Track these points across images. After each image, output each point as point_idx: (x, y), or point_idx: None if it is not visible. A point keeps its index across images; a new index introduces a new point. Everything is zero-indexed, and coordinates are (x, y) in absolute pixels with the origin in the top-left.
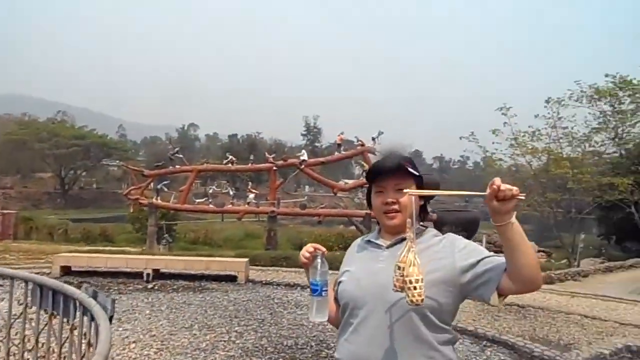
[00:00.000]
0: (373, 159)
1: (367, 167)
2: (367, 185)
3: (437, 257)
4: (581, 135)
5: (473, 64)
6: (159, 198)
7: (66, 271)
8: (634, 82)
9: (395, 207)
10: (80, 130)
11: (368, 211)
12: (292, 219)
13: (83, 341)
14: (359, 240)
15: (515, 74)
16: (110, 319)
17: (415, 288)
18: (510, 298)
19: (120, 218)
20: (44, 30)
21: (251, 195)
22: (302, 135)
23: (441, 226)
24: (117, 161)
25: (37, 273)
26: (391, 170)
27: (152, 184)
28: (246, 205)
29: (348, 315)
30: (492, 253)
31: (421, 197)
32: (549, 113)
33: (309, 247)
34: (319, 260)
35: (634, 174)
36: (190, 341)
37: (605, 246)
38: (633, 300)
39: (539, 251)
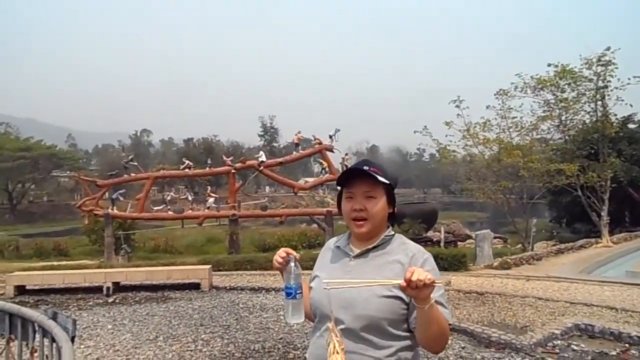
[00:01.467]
0: (331, 156)
1: (325, 164)
2: (327, 183)
3: (403, 274)
4: (529, 125)
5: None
6: (115, 208)
7: (21, 291)
8: (574, 70)
9: (363, 214)
10: (26, 141)
11: (329, 209)
12: (254, 221)
13: None
14: (331, 243)
15: (468, 67)
16: (72, 339)
17: None
18: (470, 286)
19: (74, 231)
20: None
21: (211, 200)
22: (259, 135)
23: (401, 219)
24: (68, 172)
25: None
26: (361, 177)
27: (106, 193)
28: (206, 210)
29: (317, 321)
30: (436, 295)
31: (389, 204)
32: (498, 104)
33: (281, 252)
34: (292, 265)
35: (579, 158)
36: (156, 353)
37: (556, 229)
38: (583, 280)
39: (495, 237)
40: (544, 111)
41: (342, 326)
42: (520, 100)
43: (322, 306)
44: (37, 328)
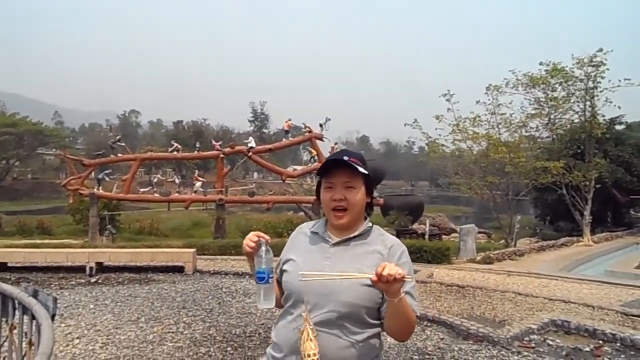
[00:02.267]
0: (321, 145)
1: (315, 153)
2: (315, 171)
3: (380, 264)
4: (518, 122)
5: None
6: (100, 188)
7: (2, 267)
8: (566, 69)
9: (343, 204)
10: (11, 117)
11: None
12: (240, 207)
13: (24, 340)
14: (305, 228)
15: (460, 63)
16: (53, 317)
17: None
18: (452, 279)
19: (59, 209)
20: None
21: (198, 184)
22: (250, 121)
23: (387, 210)
24: (54, 150)
25: None
26: (341, 167)
27: (93, 173)
28: (193, 194)
29: (290, 305)
30: (407, 287)
31: (367, 194)
32: (489, 100)
33: (252, 237)
34: (263, 249)
35: (565, 157)
36: (137, 334)
37: (540, 226)
38: (562, 277)
39: (479, 232)
40: (534, 109)
41: (322, 311)
42: (510, 97)
43: (299, 290)
44: (17, 305)
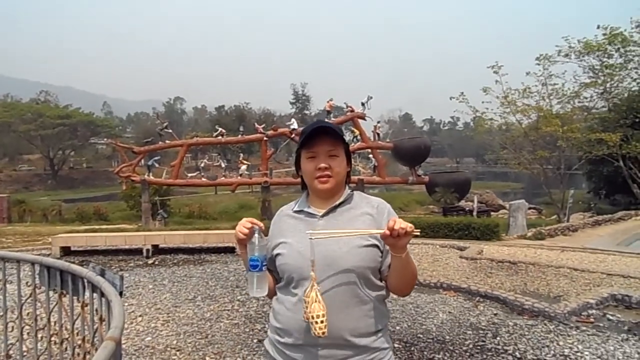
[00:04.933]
0: (363, 124)
1: (357, 132)
2: (359, 151)
3: (373, 224)
4: (570, 92)
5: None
6: (151, 174)
7: (66, 251)
8: (624, 34)
9: (328, 172)
10: (65, 109)
11: (361, 177)
12: (285, 188)
13: (95, 317)
14: (286, 210)
15: (508, 31)
16: (120, 294)
17: (317, 322)
18: (502, 255)
19: (113, 196)
20: (21, 10)
21: (243, 167)
22: (291, 103)
23: (433, 188)
24: (105, 139)
25: (38, 255)
26: (323, 137)
27: (142, 160)
28: (239, 177)
29: (293, 287)
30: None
31: (348, 162)
32: (539, 70)
33: (246, 223)
34: (256, 236)
35: (622, 127)
36: (195, 312)
37: (594, 200)
38: (620, 252)
39: (529, 208)
40: (588, 77)
41: (329, 282)
42: (563, 66)
43: (299, 269)
44: (86, 284)
